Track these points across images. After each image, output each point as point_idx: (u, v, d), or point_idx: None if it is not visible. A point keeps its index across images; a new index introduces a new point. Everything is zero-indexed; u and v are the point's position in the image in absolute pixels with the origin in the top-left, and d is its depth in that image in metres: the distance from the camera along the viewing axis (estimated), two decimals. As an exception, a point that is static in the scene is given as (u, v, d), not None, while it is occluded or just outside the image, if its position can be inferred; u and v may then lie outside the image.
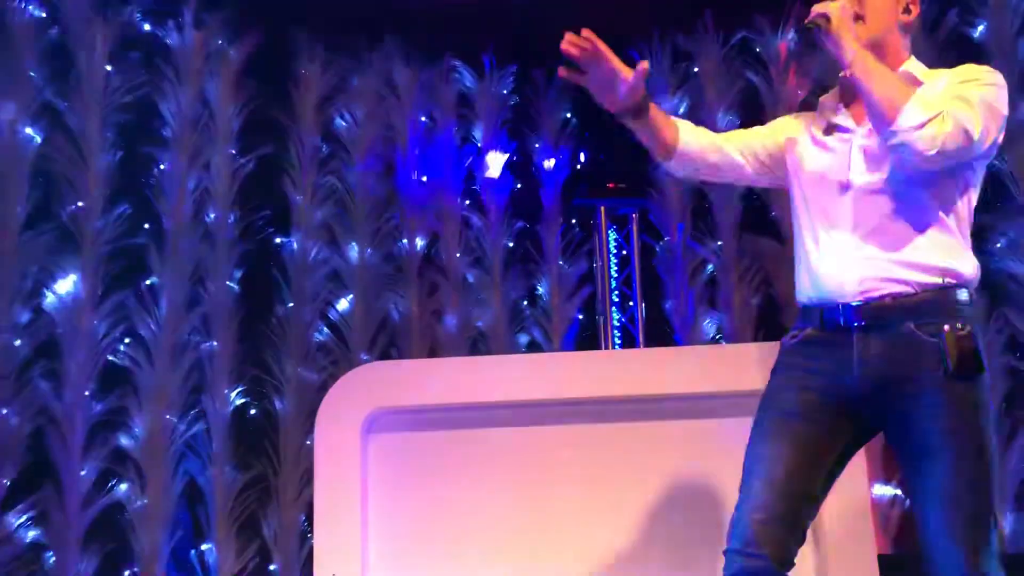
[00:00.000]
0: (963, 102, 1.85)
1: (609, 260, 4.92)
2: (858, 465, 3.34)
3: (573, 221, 4.96)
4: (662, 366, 3.38)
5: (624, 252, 4.97)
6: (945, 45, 4.31)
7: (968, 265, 1.93)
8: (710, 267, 4.67)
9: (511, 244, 4.82)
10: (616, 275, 4.95)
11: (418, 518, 3.31)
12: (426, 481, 3.34)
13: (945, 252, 1.90)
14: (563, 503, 3.30)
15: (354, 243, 4.64)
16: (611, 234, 4.95)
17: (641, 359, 3.73)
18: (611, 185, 4.88)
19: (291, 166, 4.67)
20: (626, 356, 4.25)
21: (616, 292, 4.93)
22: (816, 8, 1.90)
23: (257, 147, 4.63)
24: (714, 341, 4.57)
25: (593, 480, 3.31)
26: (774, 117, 2.51)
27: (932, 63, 2.09)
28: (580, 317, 4.82)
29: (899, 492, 4.01)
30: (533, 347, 4.72)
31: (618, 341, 4.82)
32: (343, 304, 4.58)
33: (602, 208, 4.89)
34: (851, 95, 2.05)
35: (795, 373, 1.95)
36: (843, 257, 1.92)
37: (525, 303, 4.80)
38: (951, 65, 2.00)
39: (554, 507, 3.29)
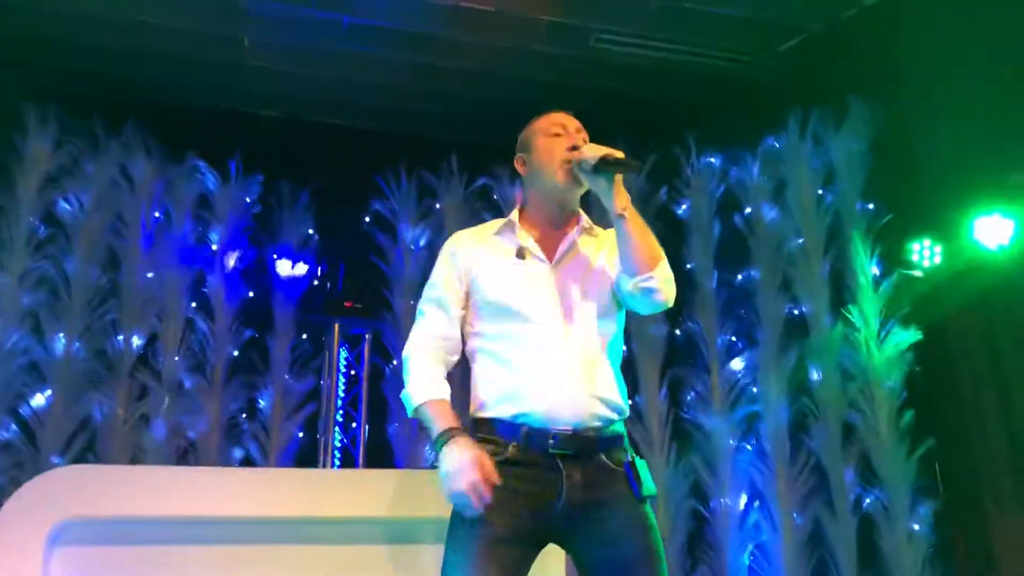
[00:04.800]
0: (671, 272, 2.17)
1: (338, 378, 4.90)
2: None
3: (304, 336, 4.92)
4: (377, 488, 3.37)
5: (354, 372, 4.98)
6: (654, 217, 4.88)
7: (627, 403, 2.20)
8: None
9: (236, 352, 4.68)
10: (343, 395, 4.93)
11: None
12: (112, 602, 3.04)
13: (620, 390, 2.16)
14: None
15: (61, 334, 4.30)
16: (342, 353, 4.95)
17: (355, 480, 3.69)
18: (347, 304, 4.93)
19: (0, 245, 4.30)
20: (340, 476, 4.17)
21: (341, 412, 4.90)
22: (614, 151, 2.08)
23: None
24: (433, 467, 4.63)
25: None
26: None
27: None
28: (301, 435, 4.72)
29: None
30: (247, 462, 4.54)
31: (338, 462, 4.75)
32: (39, 400, 4.19)
33: (336, 326, 4.90)
34: (545, 228, 2.20)
35: (503, 494, 1.98)
36: (555, 386, 2.04)
37: (244, 416, 4.63)
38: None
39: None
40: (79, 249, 4.46)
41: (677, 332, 4.92)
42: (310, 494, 3.33)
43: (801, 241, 4.72)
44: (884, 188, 4.66)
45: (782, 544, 4.36)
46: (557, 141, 2.20)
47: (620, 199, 2.10)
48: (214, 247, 4.78)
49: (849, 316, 4.50)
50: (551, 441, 2.02)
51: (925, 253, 4.41)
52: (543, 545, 2.07)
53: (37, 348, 4.25)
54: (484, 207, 5.07)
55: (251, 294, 4.83)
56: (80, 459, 4.15)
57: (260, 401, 4.66)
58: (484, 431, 2.09)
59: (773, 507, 4.44)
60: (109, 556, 3.08)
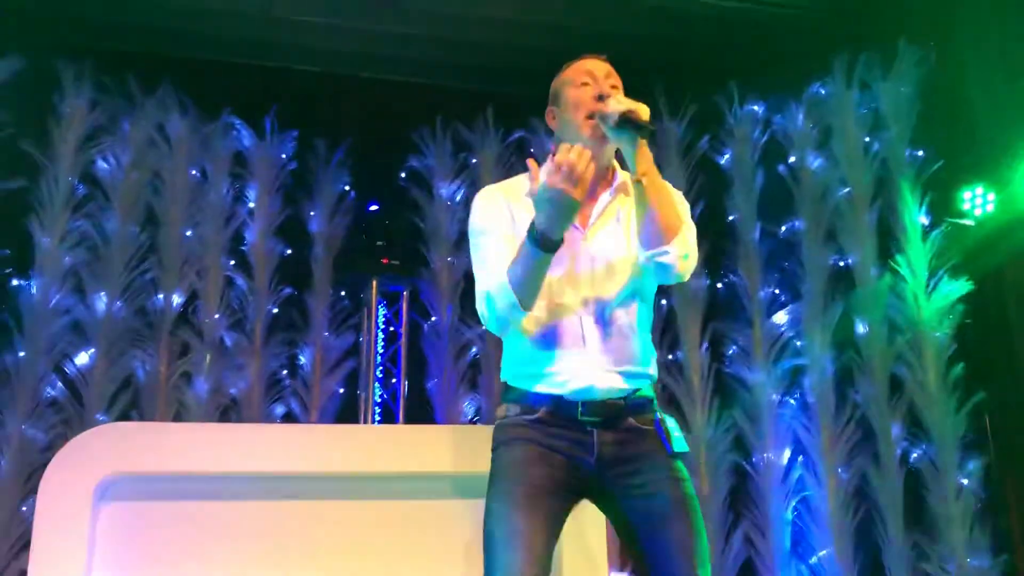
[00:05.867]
0: (693, 243, 2.07)
1: (377, 335, 4.91)
2: (600, 553, 3.48)
3: (343, 293, 4.92)
4: (418, 443, 3.38)
5: (392, 328, 4.98)
6: (696, 167, 4.77)
7: (656, 366, 2.18)
8: (474, 350, 4.77)
9: (276, 310, 4.70)
10: (382, 351, 4.93)
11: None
12: (162, 556, 3.09)
13: (651, 357, 2.14)
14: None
15: (103, 293, 4.33)
16: (380, 309, 4.95)
17: (396, 435, 3.71)
18: (384, 261, 4.91)
19: (40, 205, 4.32)
20: (381, 431, 4.21)
21: (380, 368, 4.91)
22: (642, 110, 1.96)
23: (1, 179, 4.25)
24: (472, 422, 4.66)
25: (340, 560, 3.21)
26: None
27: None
28: (342, 391, 4.74)
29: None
30: (289, 418, 4.57)
31: (378, 418, 4.78)
32: (83, 358, 4.24)
33: (374, 282, 4.89)
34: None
35: (539, 448, 2.02)
36: (582, 359, 2.03)
37: (285, 372, 4.66)
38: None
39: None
40: (118, 208, 4.48)
41: (719, 285, 4.85)
42: (351, 450, 3.36)
43: (847, 190, 4.60)
44: (934, 134, 4.52)
45: (826, 499, 4.31)
46: (585, 91, 2.11)
47: (641, 163, 1.99)
48: (251, 204, 4.77)
49: (897, 267, 4.40)
50: (580, 409, 2.02)
51: (977, 201, 4.28)
52: (580, 497, 2.08)
53: (79, 307, 4.28)
54: (520, 161, 4.99)
55: (289, 251, 4.82)
56: (124, 416, 4.21)
57: (300, 358, 4.68)
58: (514, 396, 2.10)
59: (817, 462, 4.39)
60: (154, 511, 3.14)
